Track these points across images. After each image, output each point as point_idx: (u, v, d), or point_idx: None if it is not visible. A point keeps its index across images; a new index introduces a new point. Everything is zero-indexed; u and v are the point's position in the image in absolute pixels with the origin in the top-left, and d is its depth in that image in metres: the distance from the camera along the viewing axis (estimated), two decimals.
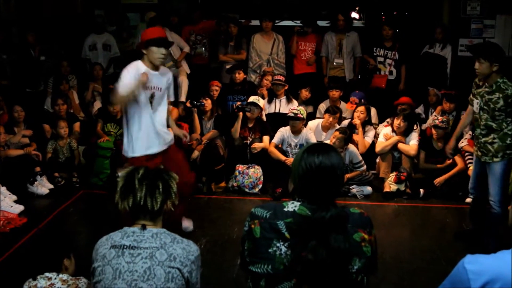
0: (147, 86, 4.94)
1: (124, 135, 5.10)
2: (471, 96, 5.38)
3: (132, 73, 4.85)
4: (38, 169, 7.06)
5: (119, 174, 2.86)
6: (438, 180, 7.04)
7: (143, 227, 2.65)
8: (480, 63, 5.02)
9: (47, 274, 3.07)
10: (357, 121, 7.57)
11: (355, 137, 7.47)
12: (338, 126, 7.52)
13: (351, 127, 7.55)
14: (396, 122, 7.28)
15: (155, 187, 2.66)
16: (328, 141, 7.02)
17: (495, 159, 5.17)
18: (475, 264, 1.98)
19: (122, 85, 4.78)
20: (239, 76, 8.16)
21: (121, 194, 2.68)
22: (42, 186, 7.00)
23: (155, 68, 5.02)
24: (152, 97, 5.03)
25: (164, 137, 5.19)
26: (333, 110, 7.60)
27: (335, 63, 8.99)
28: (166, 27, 9.10)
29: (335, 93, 8.20)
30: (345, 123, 7.75)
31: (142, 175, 2.68)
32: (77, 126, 7.90)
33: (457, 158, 7.07)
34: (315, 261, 2.21)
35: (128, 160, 5.05)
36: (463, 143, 7.30)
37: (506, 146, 5.12)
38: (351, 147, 7.12)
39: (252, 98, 7.56)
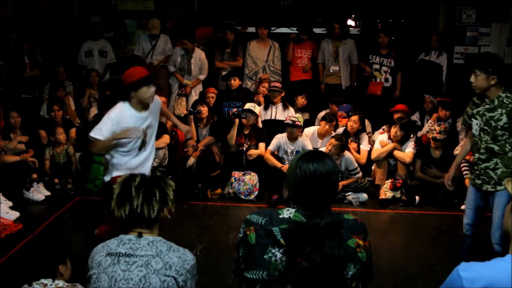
0: (135, 136, 4.74)
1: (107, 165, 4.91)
2: (464, 117, 4.76)
3: (114, 119, 4.64)
4: (34, 175, 7.05)
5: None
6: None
7: (140, 235, 2.65)
8: (476, 76, 4.38)
9: (42, 280, 3.06)
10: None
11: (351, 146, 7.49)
12: (334, 134, 7.53)
13: (347, 135, 7.57)
14: (393, 131, 7.29)
15: (152, 195, 2.65)
16: (324, 148, 7.03)
17: (498, 188, 4.47)
18: (470, 272, 2.00)
19: (100, 135, 4.58)
20: (235, 82, 8.16)
21: (118, 202, 2.67)
22: (38, 193, 6.98)
23: (145, 107, 4.77)
24: (144, 137, 4.85)
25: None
26: (330, 118, 7.60)
27: (331, 70, 9.01)
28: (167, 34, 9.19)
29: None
30: (340, 130, 7.76)
31: (139, 182, 2.66)
32: (73, 132, 7.89)
33: None
34: (310, 268, 2.22)
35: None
36: (458, 150, 7.32)
37: (511, 172, 4.40)
38: (347, 154, 7.13)
39: (248, 105, 7.57)
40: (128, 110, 4.70)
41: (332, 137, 7.16)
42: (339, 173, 6.93)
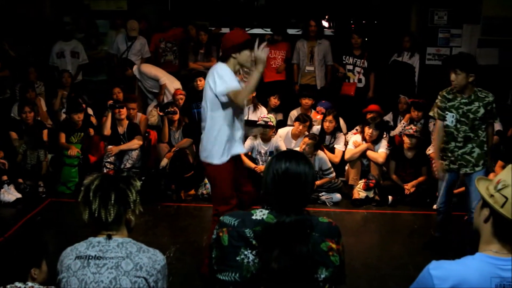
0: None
1: (206, 140, 4.69)
2: (437, 111, 5.28)
3: (230, 72, 4.65)
4: (4, 177, 6.94)
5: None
6: (408, 186, 7.13)
7: (109, 237, 2.62)
8: (457, 75, 4.99)
9: (16, 283, 2.99)
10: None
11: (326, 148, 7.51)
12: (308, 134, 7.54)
13: (322, 135, 7.59)
14: (368, 131, 7.30)
15: (107, 198, 2.61)
16: (297, 149, 7.04)
17: (476, 169, 5.19)
18: (440, 270, 2.02)
19: (234, 86, 4.53)
20: (201, 83, 8.02)
21: (81, 205, 2.65)
22: (9, 194, 6.88)
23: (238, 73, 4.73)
24: None
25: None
26: (303, 119, 7.62)
27: (306, 71, 9.02)
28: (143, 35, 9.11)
29: (308, 102, 8.23)
30: (315, 130, 7.78)
31: (96, 186, 2.62)
32: (45, 134, 7.78)
33: (424, 169, 7.19)
34: (280, 269, 2.21)
35: (211, 169, 4.67)
36: (430, 150, 7.38)
37: (485, 153, 5.19)
38: (321, 153, 7.15)
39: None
40: (229, 71, 4.62)
41: (306, 136, 7.17)
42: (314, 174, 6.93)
